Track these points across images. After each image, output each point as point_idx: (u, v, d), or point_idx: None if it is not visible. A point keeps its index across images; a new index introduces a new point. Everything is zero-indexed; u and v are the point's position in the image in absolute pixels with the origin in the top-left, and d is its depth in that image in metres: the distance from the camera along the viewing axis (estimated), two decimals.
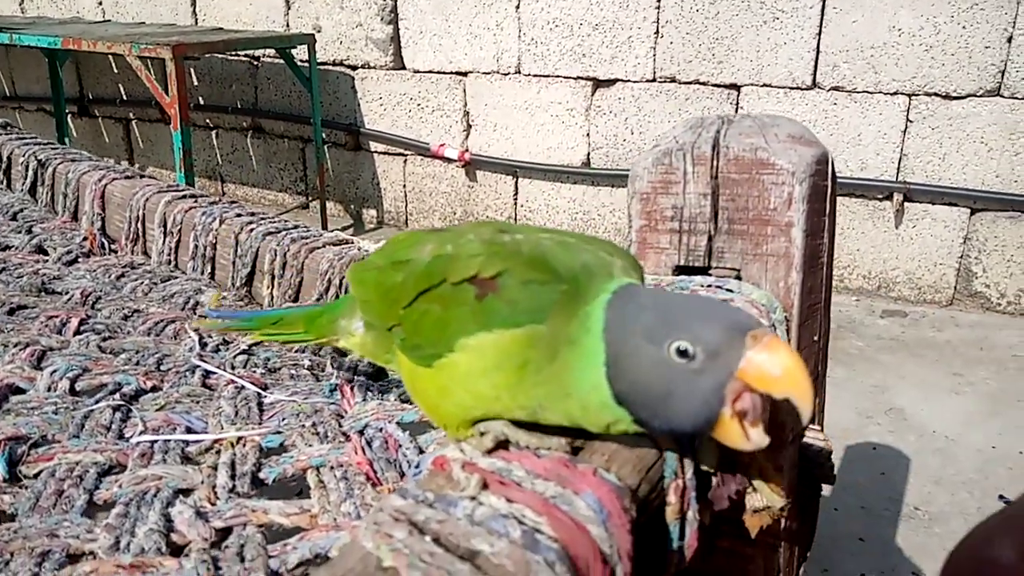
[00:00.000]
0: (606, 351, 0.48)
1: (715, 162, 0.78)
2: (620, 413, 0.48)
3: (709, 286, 0.76)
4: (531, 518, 0.43)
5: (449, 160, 4.22)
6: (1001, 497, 2.12)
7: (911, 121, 3.32)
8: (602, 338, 0.48)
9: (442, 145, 4.19)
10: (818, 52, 3.38)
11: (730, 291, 0.75)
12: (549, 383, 0.49)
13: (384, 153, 4.47)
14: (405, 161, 4.42)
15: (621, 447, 0.52)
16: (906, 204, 3.40)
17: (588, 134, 3.90)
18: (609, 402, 0.48)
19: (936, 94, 3.26)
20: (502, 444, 0.52)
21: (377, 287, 0.61)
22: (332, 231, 1.26)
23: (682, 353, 0.46)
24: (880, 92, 3.34)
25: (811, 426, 0.87)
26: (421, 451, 0.72)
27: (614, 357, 0.48)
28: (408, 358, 0.57)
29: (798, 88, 3.46)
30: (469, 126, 4.18)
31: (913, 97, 3.30)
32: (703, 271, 0.82)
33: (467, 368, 0.51)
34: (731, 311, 0.49)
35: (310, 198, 4.74)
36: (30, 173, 1.56)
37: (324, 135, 4.46)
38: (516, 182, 4.15)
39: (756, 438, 0.46)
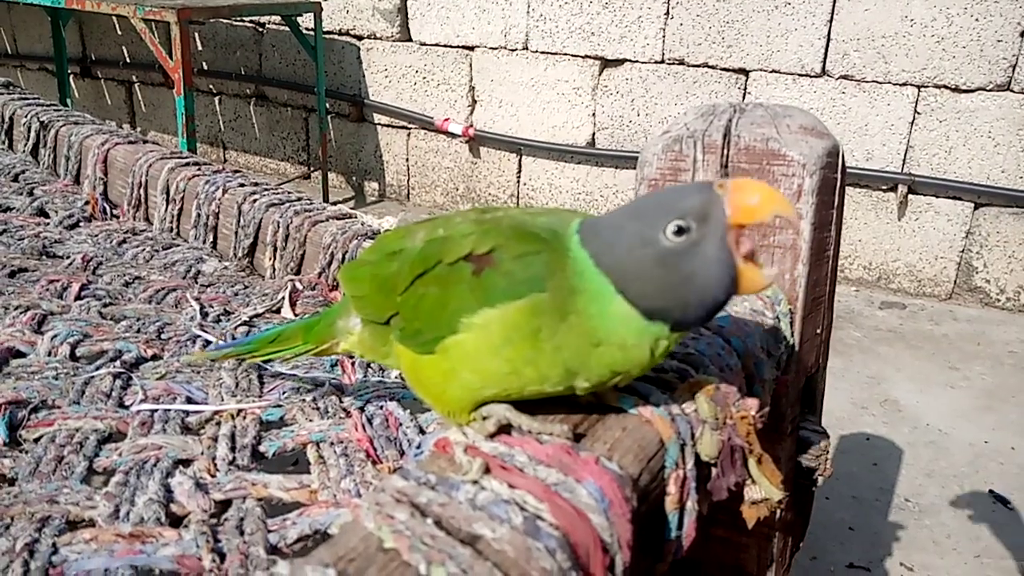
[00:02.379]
0: (611, 281, 0.49)
1: (726, 151, 0.78)
2: (658, 329, 0.50)
3: None
4: (533, 504, 0.43)
5: (453, 135, 4.19)
6: (991, 492, 2.13)
7: (919, 113, 3.31)
8: (598, 272, 0.49)
9: (446, 119, 4.17)
10: (829, 39, 3.35)
11: None
12: (571, 343, 0.50)
13: (388, 125, 4.44)
14: (409, 134, 4.39)
15: (624, 435, 0.52)
16: (910, 196, 3.39)
17: (594, 114, 3.88)
18: (644, 324, 0.49)
19: (945, 86, 3.23)
20: (504, 428, 0.52)
21: (372, 280, 0.60)
22: (334, 203, 1.26)
23: (679, 231, 0.48)
24: (889, 82, 3.31)
25: (809, 418, 0.88)
26: (422, 430, 0.72)
27: (622, 280, 0.49)
28: (409, 347, 0.56)
29: (807, 75, 3.43)
30: (474, 101, 4.16)
31: (922, 89, 3.27)
32: None
33: (475, 347, 0.51)
34: (683, 186, 0.52)
35: (312, 168, 4.71)
36: (32, 135, 1.55)
37: (328, 105, 4.43)
38: (520, 160, 4.13)
39: (769, 272, 0.50)
